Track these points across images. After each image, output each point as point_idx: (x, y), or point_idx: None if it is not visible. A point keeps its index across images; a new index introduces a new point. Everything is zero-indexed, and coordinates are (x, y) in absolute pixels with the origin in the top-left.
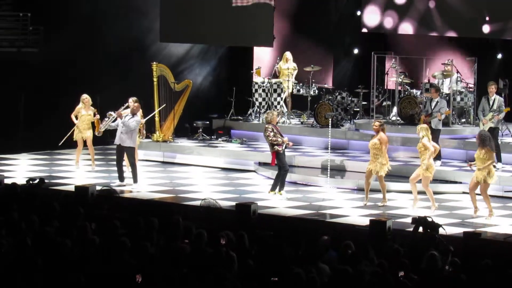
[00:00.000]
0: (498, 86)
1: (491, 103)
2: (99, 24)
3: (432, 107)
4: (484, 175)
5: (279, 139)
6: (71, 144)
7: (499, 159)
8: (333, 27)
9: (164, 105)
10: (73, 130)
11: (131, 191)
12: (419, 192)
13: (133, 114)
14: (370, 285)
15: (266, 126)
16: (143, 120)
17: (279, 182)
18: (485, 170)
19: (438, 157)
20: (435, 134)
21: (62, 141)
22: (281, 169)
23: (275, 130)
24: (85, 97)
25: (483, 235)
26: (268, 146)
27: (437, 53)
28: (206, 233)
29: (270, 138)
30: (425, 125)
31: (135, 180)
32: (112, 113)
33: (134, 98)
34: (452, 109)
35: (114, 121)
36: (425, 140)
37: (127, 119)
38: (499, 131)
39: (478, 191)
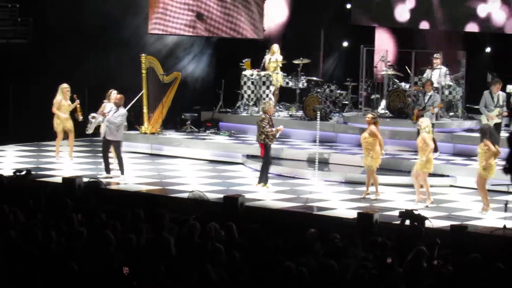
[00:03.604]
0: (486, 80)
1: (495, 99)
2: (88, 16)
3: (426, 101)
4: (484, 168)
5: (274, 131)
6: (54, 135)
7: None
8: (322, 20)
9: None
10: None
11: (118, 183)
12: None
13: (118, 106)
14: (356, 277)
15: (263, 116)
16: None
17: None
18: (484, 163)
19: (434, 149)
20: None
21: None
22: (264, 161)
23: (270, 123)
24: (65, 86)
25: (470, 228)
26: (255, 136)
27: (426, 46)
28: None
29: (266, 129)
30: (427, 118)
31: (122, 172)
32: (95, 115)
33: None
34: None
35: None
36: (426, 134)
37: (112, 114)
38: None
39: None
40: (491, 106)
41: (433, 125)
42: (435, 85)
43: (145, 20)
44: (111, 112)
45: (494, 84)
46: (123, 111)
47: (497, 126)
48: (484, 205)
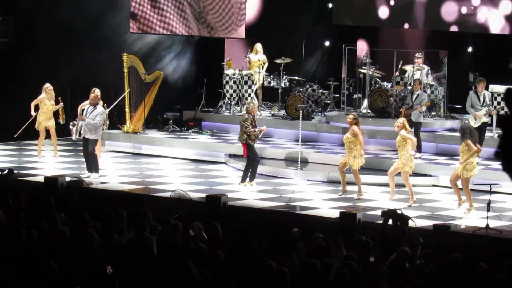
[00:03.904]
0: (468, 79)
1: (481, 99)
2: (69, 15)
3: (413, 100)
4: (465, 168)
5: (257, 131)
6: (36, 135)
7: None
8: (305, 19)
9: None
10: (31, 121)
11: (91, 182)
12: (397, 185)
13: (94, 105)
14: (339, 277)
15: (246, 116)
16: (107, 110)
17: (249, 173)
18: (465, 164)
19: (418, 149)
20: (416, 127)
21: (18, 133)
22: (252, 160)
23: (253, 123)
24: (48, 86)
25: (453, 228)
26: (238, 136)
27: (408, 45)
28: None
29: (248, 130)
30: (402, 118)
31: (96, 170)
32: (74, 122)
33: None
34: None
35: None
36: (404, 132)
37: (89, 115)
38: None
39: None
40: (478, 106)
41: (420, 124)
42: None
43: (126, 18)
44: (89, 111)
45: (478, 83)
46: (100, 109)
47: (484, 125)
48: (459, 203)
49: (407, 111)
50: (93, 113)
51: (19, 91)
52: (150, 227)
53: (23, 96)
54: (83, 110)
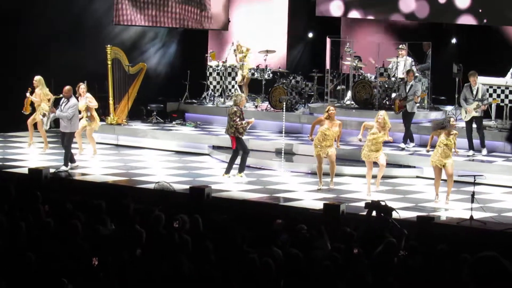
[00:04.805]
0: (452, 71)
1: (474, 92)
2: (53, 6)
3: (407, 91)
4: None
5: (244, 124)
6: (25, 127)
7: (483, 146)
8: (288, 11)
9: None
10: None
11: (81, 173)
12: (384, 177)
13: (67, 98)
14: (323, 269)
15: (235, 109)
16: (92, 103)
17: (233, 165)
18: (451, 154)
19: (410, 139)
20: (409, 117)
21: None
22: (238, 151)
23: (241, 116)
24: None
25: (437, 219)
26: (225, 129)
27: (391, 37)
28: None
29: (236, 122)
30: (383, 111)
31: (65, 164)
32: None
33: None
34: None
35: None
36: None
37: (62, 108)
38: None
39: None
40: (470, 100)
41: (414, 114)
42: (401, 76)
43: (109, 10)
44: (62, 105)
45: (469, 77)
46: (73, 101)
47: (478, 120)
48: (437, 197)
49: (401, 102)
50: (66, 106)
51: (2, 83)
52: (133, 218)
53: (6, 89)
54: (56, 100)
